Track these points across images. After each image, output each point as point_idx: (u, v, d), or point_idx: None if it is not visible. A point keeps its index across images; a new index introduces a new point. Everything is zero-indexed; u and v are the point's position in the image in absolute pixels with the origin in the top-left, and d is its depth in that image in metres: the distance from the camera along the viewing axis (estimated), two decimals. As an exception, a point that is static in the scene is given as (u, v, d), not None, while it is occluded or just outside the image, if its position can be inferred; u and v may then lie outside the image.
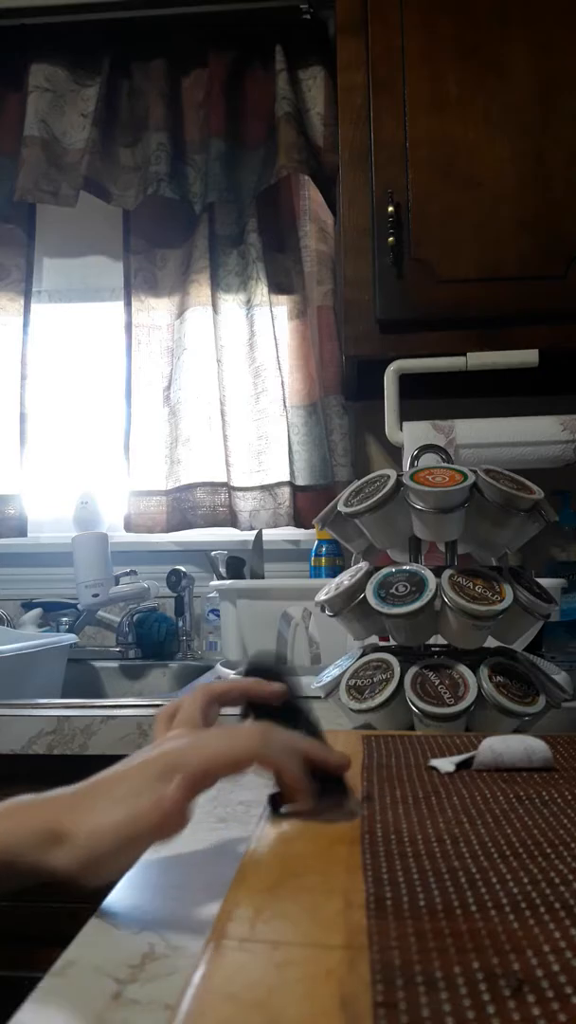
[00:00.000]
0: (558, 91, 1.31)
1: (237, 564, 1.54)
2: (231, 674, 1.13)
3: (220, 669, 1.20)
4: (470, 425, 1.29)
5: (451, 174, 1.30)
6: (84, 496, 1.76)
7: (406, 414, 1.32)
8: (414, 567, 0.76)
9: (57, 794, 0.41)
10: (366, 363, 1.39)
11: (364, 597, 0.75)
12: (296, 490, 1.68)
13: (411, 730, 0.71)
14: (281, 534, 1.72)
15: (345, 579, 0.80)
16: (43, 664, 1.37)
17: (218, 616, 1.58)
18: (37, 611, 1.66)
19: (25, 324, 1.77)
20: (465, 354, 1.29)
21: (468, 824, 0.43)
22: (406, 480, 0.75)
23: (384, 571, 0.76)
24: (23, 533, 1.74)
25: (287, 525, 1.67)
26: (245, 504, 1.68)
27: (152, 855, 0.46)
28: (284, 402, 1.69)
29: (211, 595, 1.66)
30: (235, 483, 1.68)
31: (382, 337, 1.32)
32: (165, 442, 1.73)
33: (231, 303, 1.73)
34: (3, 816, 0.40)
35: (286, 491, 1.67)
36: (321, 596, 0.80)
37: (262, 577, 1.53)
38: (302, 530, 1.70)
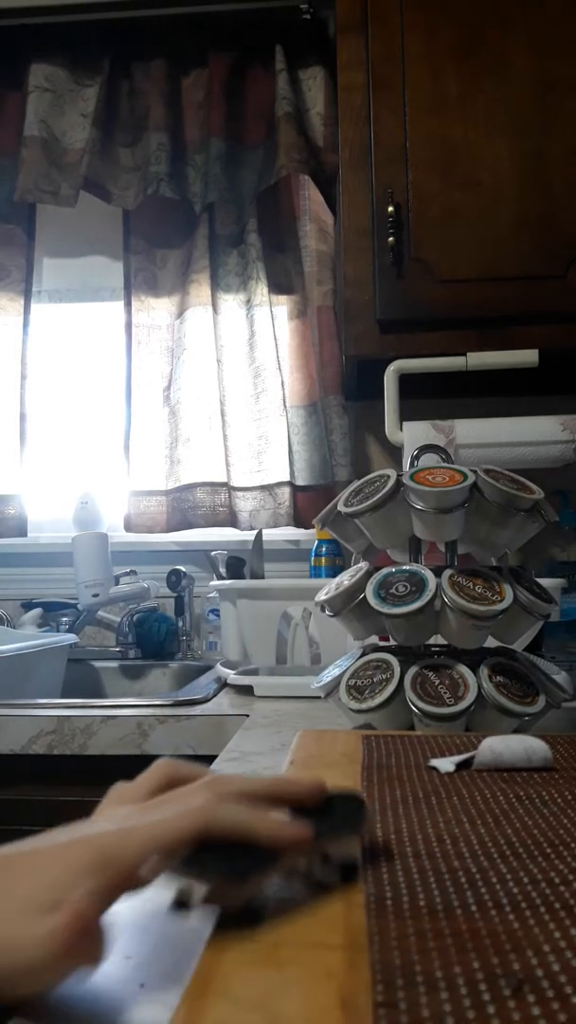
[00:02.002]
0: (558, 91, 1.31)
1: (237, 564, 1.54)
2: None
3: (220, 669, 1.20)
4: (470, 425, 1.29)
5: (451, 174, 1.31)
6: (84, 496, 1.76)
7: (406, 414, 1.32)
8: (414, 567, 0.76)
9: None
10: (366, 363, 1.39)
11: (364, 597, 0.75)
12: (296, 490, 1.68)
13: (411, 730, 0.71)
14: (281, 534, 1.72)
15: (345, 579, 0.80)
16: (43, 664, 1.37)
17: (218, 616, 1.58)
18: (37, 611, 1.66)
19: (25, 324, 1.77)
20: (465, 354, 1.29)
21: (468, 824, 0.43)
22: (406, 480, 0.75)
23: (384, 571, 0.76)
24: (23, 533, 1.74)
25: (287, 525, 1.67)
26: (245, 504, 1.68)
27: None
28: (284, 402, 1.69)
29: (211, 595, 1.66)
30: (235, 483, 1.68)
31: (382, 337, 1.32)
32: (165, 442, 1.73)
33: (231, 303, 1.73)
34: None
35: (286, 491, 1.67)
36: (321, 596, 0.80)
37: (262, 577, 1.53)
38: (302, 530, 1.70)
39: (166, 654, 1.66)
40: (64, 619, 1.67)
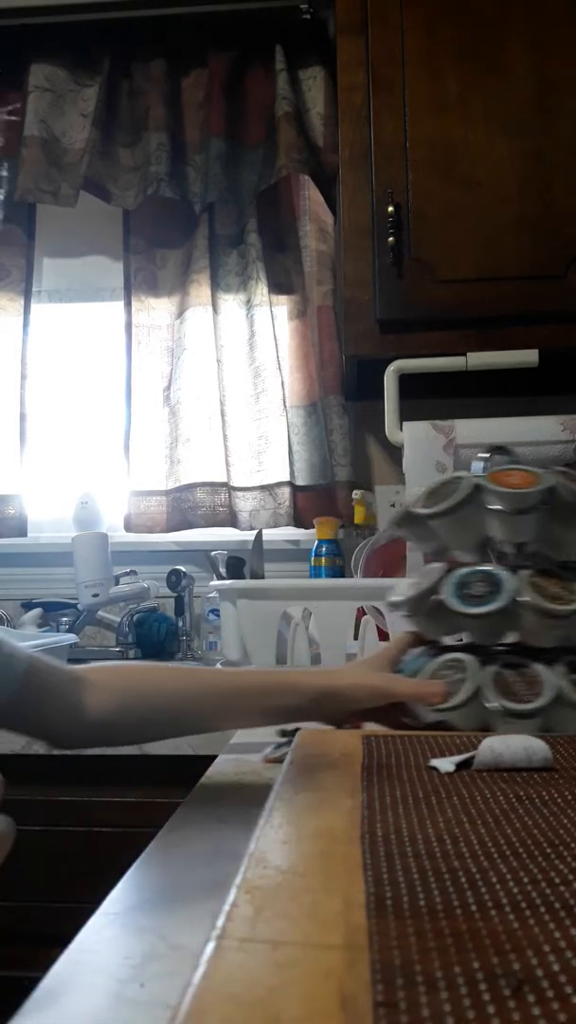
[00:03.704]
0: (558, 91, 1.31)
1: (237, 564, 1.54)
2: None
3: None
4: (470, 425, 1.29)
5: (451, 174, 1.30)
6: (84, 496, 1.76)
7: (406, 414, 1.32)
8: (490, 567, 0.76)
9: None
10: (366, 363, 1.39)
11: (441, 598, 0.76)
12: (296, 490, 1.68)
13: (486, 729, 0.71)
14: (281, 534, 1.72)
15: (420, 580, 0.80)
16: (43, 664, 1.37)
17: (218, 616, 1.58)
18: (37, 611, 1.66)
19: (25, 324, 1.77)
20: (465, 354, 1.29)
21: (468, 824, 0.43)
22: (483, 482, 0.75)
23: (461, 571, 0.77)
24: (23, 533, 1.74)
25: (287, 525, 1.67)
26: (245, 504, 1.68)
27: (153, 856, 0.46)
28: (284, 402, 1.69)
29: (211, 595, 1.65)
30: (235, 483, 1.68)
31: (382, 337, 1.32)
32: (165, 442, 1.73)
33: (231, 303, 1.73)
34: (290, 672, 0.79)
35: (286, 491, 1.67)
36: (395, 597, 0.81)
37: (262, 577, 1.53)
38: (302, 530, 1.70)
39: (166, 654, 1.66)
40: (64, 619, 1.67)
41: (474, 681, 0.72)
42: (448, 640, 0.82)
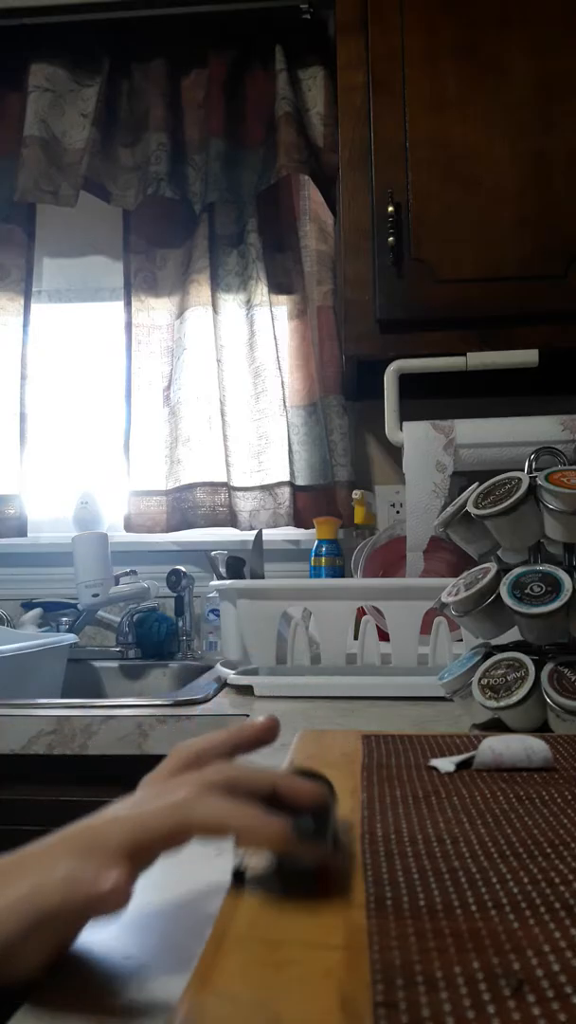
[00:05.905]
0: (558, 91, 1.31)
1: (237, 564, 1.53)
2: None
3: (220, 669, 1.20)
4: (470, 425, 1.29)
5: (451, 174, 1.31)
6: (84, 496, 1.76)
7: (406, 414, 1.32)
8: (546, 567, 0.77)
9: None
10: (366, 363, 1.39)
11: (495, 598, 0.76)
12: (296, 490, 1.68)
13: (543, 728, 0.72)
14: (281, 534, 1.72)
15: (473, 580, 0.80)
16: (43, 664, 1.37)
17: (218, 616, 1.58)
18: (37, 611, 1.66)
19: (25, 324, 1.77)
20: (465, 354, 1.29)
21: (468, 824, 0.43)
22: (541, 482, 0.76)
23: (517, 571, 0.77)
24: (23, 533, 1.74)
25: (287, 525, 1.67)
26: (245, 504, 1.68)
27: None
28: (284, 402, 1.69)
29: (211, 595, 1.65)
30: (235, 483, 1.68)
31: (382, 337, 1.32)
32: (165, 442, 1.73)
33: (231, 303, 1.73)
34: None
35: (286, 491, 1.67)
36: (447, 598, 0.81)
37: (262, 577, 1.53)
38: (302, 530, 1.70)
39: (166, 654, 1.66)
40: (64, 619, 1.67)
41: (532, 679, 0.72)
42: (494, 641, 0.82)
